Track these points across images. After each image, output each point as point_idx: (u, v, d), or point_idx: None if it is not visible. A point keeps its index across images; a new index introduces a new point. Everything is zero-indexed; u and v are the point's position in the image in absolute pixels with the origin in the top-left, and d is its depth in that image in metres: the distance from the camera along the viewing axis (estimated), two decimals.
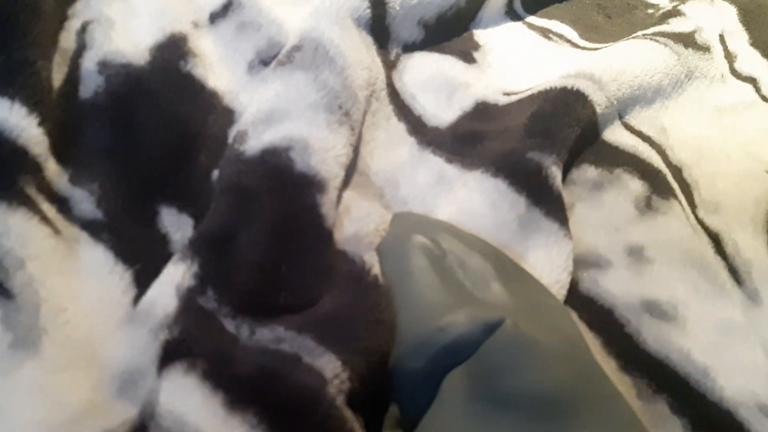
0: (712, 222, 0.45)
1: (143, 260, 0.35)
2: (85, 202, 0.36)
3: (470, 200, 0.41)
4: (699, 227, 0.44)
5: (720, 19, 0.58)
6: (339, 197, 0.38)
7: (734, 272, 0.42)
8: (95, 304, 0.33)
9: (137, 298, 0.34)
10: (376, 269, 0.35)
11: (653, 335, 0.38)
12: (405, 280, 0.35)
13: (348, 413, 0.29)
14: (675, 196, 0.45)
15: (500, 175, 0.41)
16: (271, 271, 0.33)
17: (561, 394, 0.30)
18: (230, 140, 0.39)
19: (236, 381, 0.29)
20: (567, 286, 0.39)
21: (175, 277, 0.33)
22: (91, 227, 0.36)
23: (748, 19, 0.59)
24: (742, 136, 0.51)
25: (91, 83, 0.40)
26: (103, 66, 0.40)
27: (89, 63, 0.40)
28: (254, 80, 0.43)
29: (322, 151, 0.37)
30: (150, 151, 0.38)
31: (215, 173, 0.38)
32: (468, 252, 0.37)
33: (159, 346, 0.30)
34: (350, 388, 0.30)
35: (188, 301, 0.32)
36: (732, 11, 0.59)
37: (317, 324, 0.31)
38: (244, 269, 0.33)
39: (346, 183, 0.40)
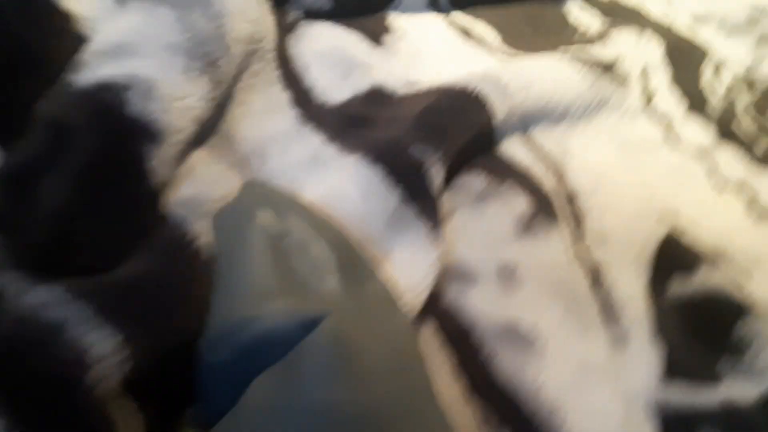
0: (595, 254, 0.42)
1: None
2: None
3: (341, 185, 0.37)
4: (578, 258, 0.41)
5: (646, 53, 0.56)
6: (184, 155, 0.33)
7: (607, 309, 0.40)
8: None
9: None
10: (202, 241, 0.30)
11: (507, 364, 0.35)
12: (233, 258, 0.30)
13: (117, 401, 0.24)
14: (559, 222, 0.42)
15: (378, 164, 0.37)
16: (72, 223, 0.28)
17: (376, 412, 0.26)
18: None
19: None
20: (426, 293, 0.35)
21: None
22: None
23: (673, 55, 0.57)
24: (643, 175, 0.49)
25: None
26: None
27: None
28: (122, 10, 0.38)
29: (169, 98, 0.32)
30: None
31: (40, 104, 0.32)
32: (315, 238, 0.33)
33: None
34: (130, 368, 0.25)
35: None
36: (659, 46, 0.57)
37: (106, 290, 0.26)
38: (42, 216, 0.28)
39: (199, 141, 0.35)
